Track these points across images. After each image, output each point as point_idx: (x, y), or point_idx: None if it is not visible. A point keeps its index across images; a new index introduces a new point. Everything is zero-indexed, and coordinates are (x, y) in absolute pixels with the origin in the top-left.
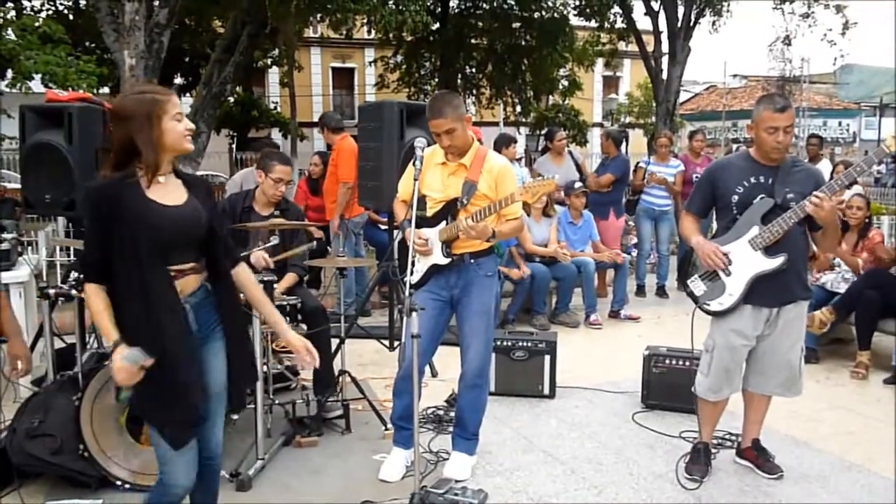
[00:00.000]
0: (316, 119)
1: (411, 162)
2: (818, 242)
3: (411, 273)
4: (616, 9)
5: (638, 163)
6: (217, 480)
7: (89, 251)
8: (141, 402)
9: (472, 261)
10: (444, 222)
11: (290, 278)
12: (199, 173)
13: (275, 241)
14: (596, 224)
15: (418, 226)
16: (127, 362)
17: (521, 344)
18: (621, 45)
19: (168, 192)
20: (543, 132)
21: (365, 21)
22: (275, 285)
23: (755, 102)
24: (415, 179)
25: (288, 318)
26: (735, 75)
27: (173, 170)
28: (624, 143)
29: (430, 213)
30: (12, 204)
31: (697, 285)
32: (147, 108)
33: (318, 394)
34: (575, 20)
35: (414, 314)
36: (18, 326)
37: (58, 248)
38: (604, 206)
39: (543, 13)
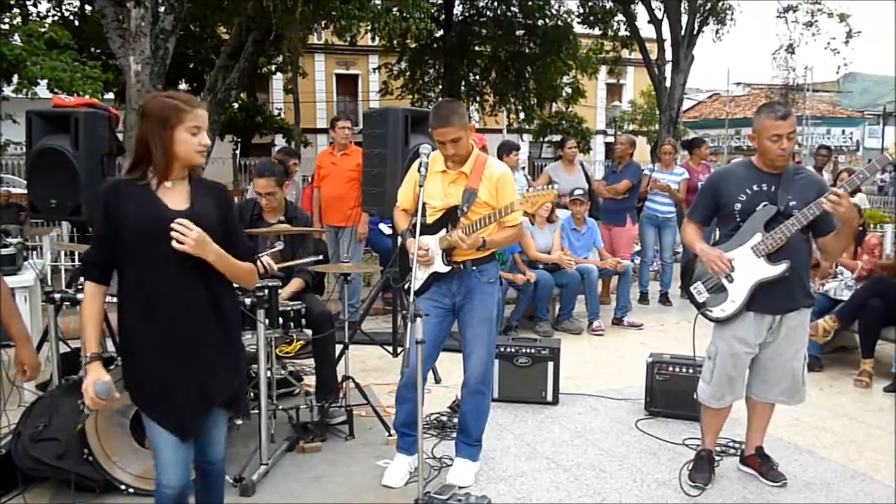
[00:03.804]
0: (319, 126)
1: (413, 168)
2: (828, 246)
3: (413, 280)
4: (620, 17)
5: (642, 170)
6: (221, 484)
7: (95, 250)
8: (139, 397)
9: (473, 268)
10: (444, 230)
11: (295, 283)
12: None
13: (280, 246)
14: (612, 231)
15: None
16: (98, 395)
17: (524, 350)
18: (625, 53)
19: (172, 198)
20: (545, 139)
21: (369, 28)
22: (279, 291)
23: (755, 112)
24: (420, 186)
25: (292, 324)
26: (738, 83)
27: (189, 177)
28: None
29: (430, 220)
30: (17, 209)
31: (700, 291)
32: (165, 112)
33: (320, 400)
34: (579, 28)
35: (418, 320)
36: (27, 332)
37: (62, 253)
38: (620, 213)
39: (547, 21)
